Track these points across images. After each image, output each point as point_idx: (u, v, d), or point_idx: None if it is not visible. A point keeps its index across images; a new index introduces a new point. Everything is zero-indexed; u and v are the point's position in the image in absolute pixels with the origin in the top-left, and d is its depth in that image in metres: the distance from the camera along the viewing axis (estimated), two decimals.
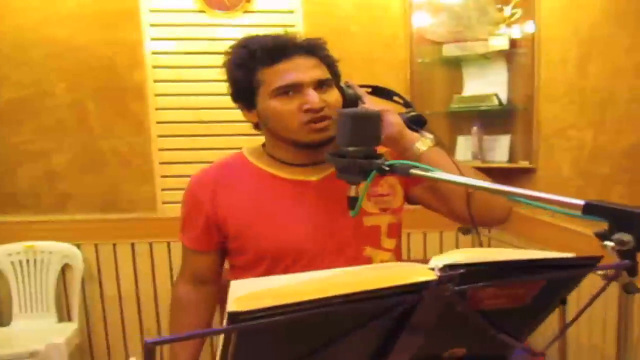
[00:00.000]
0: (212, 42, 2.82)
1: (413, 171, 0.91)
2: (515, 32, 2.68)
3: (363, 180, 1.01)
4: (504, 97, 2.81)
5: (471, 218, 1.08)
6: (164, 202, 2.87)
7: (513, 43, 2.69)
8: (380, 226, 1.21)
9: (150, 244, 2.88)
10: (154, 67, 2.81)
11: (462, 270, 0.55)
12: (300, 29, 2.86)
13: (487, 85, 2.87)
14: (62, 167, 2.81)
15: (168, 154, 2.86)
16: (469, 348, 0.75)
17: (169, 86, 2.83)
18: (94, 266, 2.85)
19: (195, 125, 2.86)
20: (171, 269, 2.89)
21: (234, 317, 0.47)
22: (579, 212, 0.70)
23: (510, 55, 2.76)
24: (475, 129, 2.81)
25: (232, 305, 0.47)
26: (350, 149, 0.98)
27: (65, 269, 2.80)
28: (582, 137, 2.19)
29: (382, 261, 1.20)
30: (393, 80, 2.94)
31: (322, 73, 1.15)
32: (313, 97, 1.11)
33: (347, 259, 1.16)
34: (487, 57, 2.81)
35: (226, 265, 1.32)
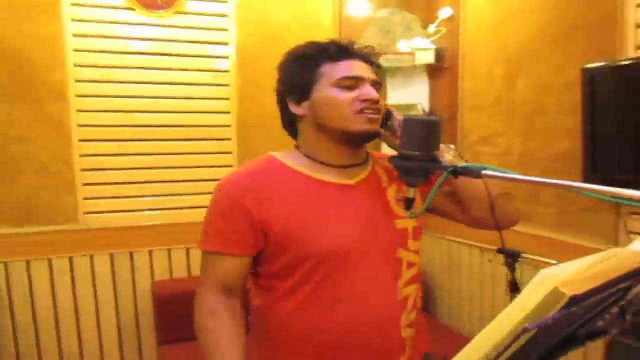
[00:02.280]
0: (141, 41, 2.67)
1: (484, 172, 0.98)
2: (442, 47, 2.91)
3: (424, 181, 1.07)
4: (426, 107, 3.03)
5: (495, 222, 1.17)
6: (86, 212, 2.63)
7: (438, 57, 2.91)
8: (408, 229, 1.25)
9: (71, 259, 2.62)
10: (76, 65, 2.58)
11: None
12: (233, 34, 2.82)
13: (410, 95, 3.07)
14: None
15: (91, 160, 2.64)
16: None
17: (93, 87, 2.61)
18: (3, 288, 2.52)
19: (123, 129, 2.67)
20: (94, 285, 2.66)
21: (572, 300, 0.49)
22: None
23: (433, 67, 2.98)
24: None
25: (565, 290, 0.49)
26: (418, 152, 1.04)
27: None
28: (510, 144, 2.45)
29: (409, 262, 1.24)
30: None
31: (376, 77, 1.19)
32: (372, 90, 1.16)
33: (386, 260, 1.19)
34: (412, 69, 3.00)
35: None
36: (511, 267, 2.08)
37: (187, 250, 2.82)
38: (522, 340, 0.55)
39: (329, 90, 1.16)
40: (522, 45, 2.38)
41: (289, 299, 1.15)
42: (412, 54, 2.97)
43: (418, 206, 1.29)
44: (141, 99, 2.67)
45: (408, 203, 1.09)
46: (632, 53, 1.87)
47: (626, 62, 1.83)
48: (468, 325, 2.79)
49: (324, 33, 2.98)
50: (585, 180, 1.95)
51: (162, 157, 2.75)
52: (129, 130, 2.68)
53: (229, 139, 2.86)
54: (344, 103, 1.15)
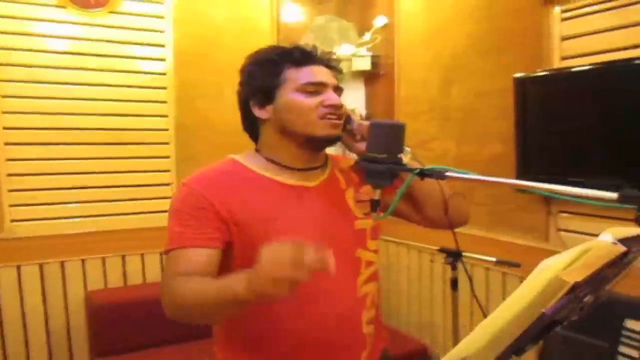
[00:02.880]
0: (72, 41, 2.56)
1: (448, 174, 1.04)
2: (378, 54, 3.00)
3: (389, 184, 1.10)
4: (362, 112, 3.12)
5: (449, 222, 1.24)
6: (13, 220, 2.48)
7: (374, 64, 3.01)
8: (366, 229, 1.29)
9: None
10: (1, 64, 2.43)
11: None
12: (169, 36, 2.77)
13: (346, 101, 3.14)
14: None
15: (18, 165, 2.49)
16: None
17: (19, 87, 2.47)
18: None
19: (52, 132, 2.54)
20: (22, 298, 2.50)
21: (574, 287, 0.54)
22: (614, 201, 0.90)
23: (370, 74, 3.07)
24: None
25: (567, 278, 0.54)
26: (385, 155, 1.08)
27: None
28: (446, 147, 2.57)
29: (367, 261, 1.28)
30: None
31: (337, 84, 1.22)
32: (334, 96, 1.18)
33: (345, 260, 1.22)
34: (349, 75, 3.08)
35: None
36: (453, 266, 2.18)
37: (123, 258, 2.71)
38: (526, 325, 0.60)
39: (294, 95, 1.17)
40: (455, 55, 2.52)
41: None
42: (349, 60, 3.04)
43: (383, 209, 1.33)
44: (72, 101, 2.56)
45: (374, 205, 1.12)
46: (557, 63, 2.03)
47: (554, 72, 1.99)
48: (406, 323, 2.89)
49: (262, 37, 3.00)
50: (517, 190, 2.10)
51: (95, 162, 2.64)
52: (59, 134, 2.56)
53: (167, 143, 2.79)
54: (309, 108, 1.17)
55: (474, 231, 2.35)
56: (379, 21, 3.03)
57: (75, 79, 2.58)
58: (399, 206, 1.36)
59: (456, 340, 2.23)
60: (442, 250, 2.19)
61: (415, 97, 2.77)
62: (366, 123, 1.21)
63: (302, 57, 1.20)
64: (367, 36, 3.06)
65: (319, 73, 1.19)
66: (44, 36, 2.51)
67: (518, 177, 2.05)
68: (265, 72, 1.20)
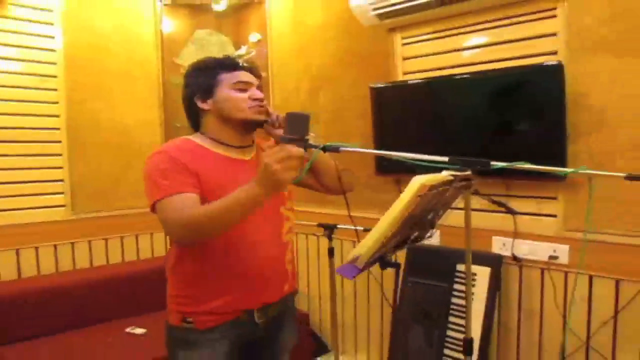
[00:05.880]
0: None
1: (343, 149, 1.52)
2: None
3: None
4: None
5: (341, 188, 1.72)
6: None
7: None
8: (285, 193, 1.73)
9: None
10: None
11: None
12: (59, 41, 2.94)
13: None
14: None
15: None
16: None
17: None
18: None
19: None
20: None
21: (431, 188, 1.05)
22: (446, 163, 1.45)
23: None
24: None
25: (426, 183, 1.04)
26: (297, 136, 1.52)
27: None
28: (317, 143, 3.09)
29: (287, 217, 1.71)
30: (149, 97, 3.31)
31: (259, 83, 1.65)
32: (258, 91, 1.62)
33: (273, 215, 1.65)
34: None
35: None
36: (329, 237, 2.70)
37: (18, 251, 2.80)
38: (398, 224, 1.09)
39: (229, 91, 1.58)
40: (321, 67, 3.06)
41: (214, 244, 1.51)
42: None
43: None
44: None
45: None
46: (400, 77, 2.66)
47: (398, 83, 2.61)
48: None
49: (146, 47, 3.29)
50: (377, 174, 2.69)
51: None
52: None
53: (59, 142, 2.94)
54: (242, 100, 1.58)
55: (343, 211, 2.89)
56: (253, 37, 3.48)
57: None
58: (306, 178, 1.80)
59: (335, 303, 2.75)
60: (320, 225, 2.70)
61: (289, 102, 3.26)
62: (282, 115, 1.65)
63: (232, 64, 1.62)
64: (243, 49, 3.49)
65: (245, 76, 1.61)
66: None
67: (376, 165, 2.64)
68: (205, 75, 1.61)
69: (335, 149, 1.52)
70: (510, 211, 2.27)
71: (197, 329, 1.55)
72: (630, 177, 1.37)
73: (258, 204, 1.35)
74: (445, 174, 1.27)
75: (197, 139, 1.62)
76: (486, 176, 1.98)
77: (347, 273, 1.10)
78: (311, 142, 1.62)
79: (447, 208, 1.52)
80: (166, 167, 1.49)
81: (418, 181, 1.10)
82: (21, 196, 2.83)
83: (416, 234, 1.43)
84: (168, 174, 1.48)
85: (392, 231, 1.17)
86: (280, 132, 1.60)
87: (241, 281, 1.56)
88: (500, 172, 1.35)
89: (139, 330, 2.73)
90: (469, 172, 1.38)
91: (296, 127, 1.54)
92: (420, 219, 1.35)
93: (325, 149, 1.52)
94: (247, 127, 1.63)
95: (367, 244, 1.17)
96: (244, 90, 1.60)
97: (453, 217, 1.96)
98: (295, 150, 1.30)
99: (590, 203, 1.90)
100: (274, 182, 1.28)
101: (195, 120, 1.66)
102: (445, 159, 1.38)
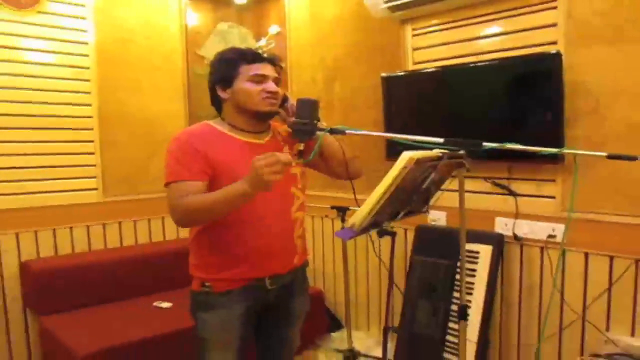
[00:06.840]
0: (5, 36, 2.85)
1: (348, 131, 1.67)
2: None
3: (309, 139, 1.69)
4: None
5: (348, 173, 1.86)
6: None
7: None
8: (297, 174, 1.88)
9: None
10: None
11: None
12: (91, 35, 3.14)
13: None
14: None
15: None
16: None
17: None
18: None
19: None
20: None
21: (417, 161, 1.20)
22: (442, 144, 1.59)
23: None
24: None
25: (414, 156, 1.19)
26: (307, 120, 1.67)
27: None
28: None
29: (297, 196, 1.86)
30: (173, 87, 3.50)
31: (277, 76, 1.79)
32: (273, 85, 1.75)
33: (284, 193, 1.80)
34: None
35: None
36: (342, 219, 2.86)
37: (54, 231, 3.04)
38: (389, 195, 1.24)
39: (245, 83, 1.72)
40: (336, 59, 3.22)
41: (227, 220, 1.68)
42: None
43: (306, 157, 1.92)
44: (5, 90, 2.83)
45: (300, 153, 1.70)
46: (411, 67, 2.80)
47: (408, 73, 2.75)
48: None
49: (171, 40, 3.48)
50: (387, 159, 2.82)
51: (28, 145, 2.94)
52: None
53: (91, 129, 3.16)
54: (255, 93, 1.72)
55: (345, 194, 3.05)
56: (273, 29, 3.64)
57: (7, 70, 2.86)
58: (315, 161, 1.94)
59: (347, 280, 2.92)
60: (333, 207, 2.87)
61: (305, 93, 3.42)
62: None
63: (252, 56, 1.75)
64: (263, 41, 3.66)
65: (263, 68, 1.74)
66: None
67: (387, 150, 2.79)
68: (226, 67, 1.74)
69: (341, 132, 1.68)
70: (511, 193, 2.40)
71: (214, 292, 1.72)
72: (611, 157, 1.50)
73: (246, 199, 1.53)
74: (434, 151, 1.41)
75: (216, 124, 1.77)
76: (489, 160, 2.11)
77: (344, 235, 1.27)
78: (319, 126, 1.79)
79: (439, 185, 1.67)
80: (179, 152, 1.66)
81: (407, 155, 1.25)
82: (57, 179, 3.04)
83: (409, 207, 1.56)
84: (179, 158, 1.65)
85: (384, 200, 1.33)
86: (293, 119, 1.75)
87: (252, 253, 1.72)
88: (502, 156, 1.49)
89: (165, 304, 2.93)
90: (462, 152, 1.53)
91: (306, 111, 1.69)
92: (411, 192, 1.50)
93: (332, 131, 1.67)
94: (260, 117, 1.77)
95: (362, 212, 1.33)
96: (259, 83, 1.72)
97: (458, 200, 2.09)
98: (284, 156, 1.45)
99: (575, 180, 2.03)
100: (260, 182, 1.44)
101: (217, 106, 1.83)
102: (441, 140, 1.53)
